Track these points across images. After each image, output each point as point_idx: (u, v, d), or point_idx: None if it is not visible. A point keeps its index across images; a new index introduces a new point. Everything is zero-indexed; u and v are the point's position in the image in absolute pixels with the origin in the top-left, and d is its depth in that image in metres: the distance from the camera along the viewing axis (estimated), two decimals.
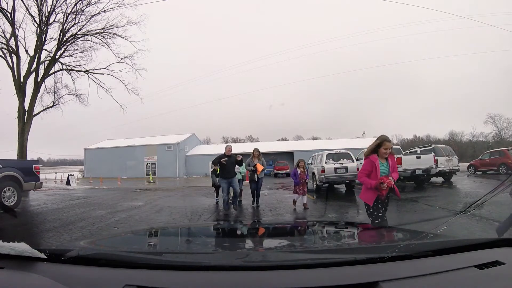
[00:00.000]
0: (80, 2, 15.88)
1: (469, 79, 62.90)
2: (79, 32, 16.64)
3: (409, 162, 10.54)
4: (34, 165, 8.51)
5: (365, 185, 3.13)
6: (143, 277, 0.82)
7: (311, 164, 11.85)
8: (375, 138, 3.29)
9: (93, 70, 17.42)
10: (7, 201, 7.54)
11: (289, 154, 31.59)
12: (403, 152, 12.48)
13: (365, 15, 67.86)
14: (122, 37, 16.97)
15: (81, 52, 17.06)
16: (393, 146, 15.12)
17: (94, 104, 19.15)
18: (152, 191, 14.34)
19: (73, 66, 17.27)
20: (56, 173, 30.27)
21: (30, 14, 15.58)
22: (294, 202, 7.02)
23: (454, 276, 0.83)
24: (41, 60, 16.37)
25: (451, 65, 64.76)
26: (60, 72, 17.21)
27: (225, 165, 6.50)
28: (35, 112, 16.31)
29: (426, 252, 0.95)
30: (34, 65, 16.14)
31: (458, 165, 12.42)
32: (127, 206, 8.38)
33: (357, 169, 10.49)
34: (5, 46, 15.54)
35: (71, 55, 17.16)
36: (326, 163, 10.31)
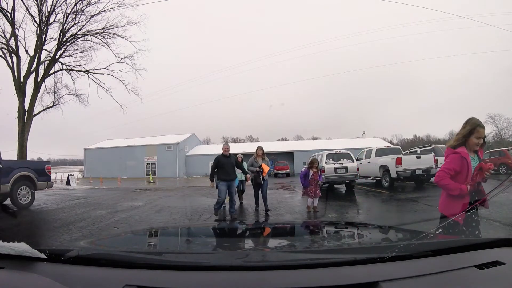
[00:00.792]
0: (80, 2, 15.90)
1: (469, 79, 62.99)
2: (79, 32, 16.65)
3: (409, 162, 10.54)
4: (46, 166, 8.95)
5: (451, 191, 2.13)
6: (143, 277, 0.82)
7: None
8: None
9: (93, 70, 17.44)
10: (21, 199, 7.88)
11: (289, 154, 31.58)
12: (403, 152, 12.48)
13: (366, 15, 67.93)
14: (122, 37, 16.99)
15: (81, 52, 17.09)
16: (393, 146, 15.03)
17: (94, 104, 19.14)
18: (152, 191, 14.35)
19: (73, 66, 17.29)
20: (56, 173, 30.20)
21: (30, 14, 15.59)
22: (309, 207, 6.47)
23: (454, 276, 0.83)
24: (41, 60, 16.37)
25: (451, 65, 64.87)
26: (60, 72, 17.23)
27: (224, 166, 5.88)
28: (35, 112, 16.31)
29: (426, 252, 0.95)
30: (34, 65, 16.15)
31: None
32: (127, 206, 8.38)
33: (357, 169, 10.52)
34: (5, 46, 15.54)
35: (71, 55, 17.18)
36: (326, 163, 10.31)
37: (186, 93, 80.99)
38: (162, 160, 32.67)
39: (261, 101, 77.09)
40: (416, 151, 13.27)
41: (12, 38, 15.56)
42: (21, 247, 0.91)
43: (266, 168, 6.41)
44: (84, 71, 17.34)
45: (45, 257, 0.92)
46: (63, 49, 16.70)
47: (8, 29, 15.48)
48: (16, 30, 15.54)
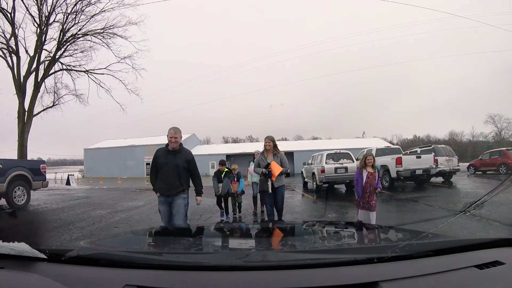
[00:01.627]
0: (80, 2, 15.90)
1: (469, 79, 62.98)
2: (79, 32, 16.65)
3: (409, 162, 10.55)
4: (41, 165, 8.76)
5: None
6: (143, 277, 0.82)
7: (311, 164, 11.85)
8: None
9: (93, 70, 17.44)
10: (17, 200, 7.69)
11: (289, 154, 31.56)
12: (403, 152, 12.48)
13: (366, 15, 67.95)
14: (122, 37, 16.99)
15: (81, 52, 17.09)
16: (393, 146, 15.12)
17: (94, 104, 19.15)
18: (152, 191, 14.32)
19: (73, 66, 17.29)
20: (56, 173, 30.26)
21: (30, 14, 15.60)
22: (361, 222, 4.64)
23: (454, 276, 0.83)
24: (41, 60, 16.38)
25: (451, 65, 64.85)
26: (60, 72, 17.23)
27: (163, 168, 3.41)
28: (35, 112, 16.32)
29: (426, 252, 0.95)
30: (34, 65, 16.15)
31: (458, 165, 12.43)
32: (127, 206, 8.37)
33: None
34: (5, 46, 15.55)
35: (71, 55, 17.19)
36: (326, 163, 10.30)
37: (186, 93, 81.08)
38: None
39: (261, 101, 77.16)
40: (416, 151, 13.27)
41: (12, 38, 15.56)
42: (21, 247, 0.91)
43: (276, 169, 4.14)
44: (84, 71, 17.35)
45: (45, 257, 0.92)
46: (63, 49, 16.71)
47: (8, 29, 15.50)
48: (16, 30, 15.56)
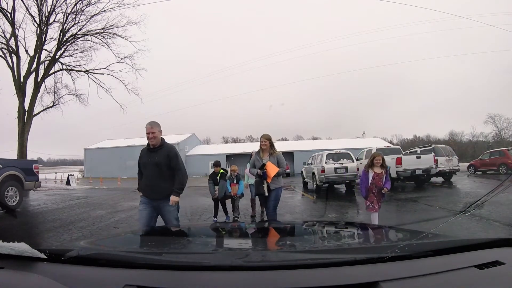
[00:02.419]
0: (80, 2, 15.91)
1: (469, 79, 63.01)
2: (79, 32, 16.68)
3: (409, 162, 10.55)
4: (34, 165, 8.46)
5: None
6: (143, 277, 0.82)
7: (311, 164, 11.85)
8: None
9: (93, 70, 17.46)
10: (9, 201, 7.46)
11: (289, 154, 31.57)
12: (403, 152, 12.48)
13: (366, 14, 68.01)
14: (122, 37, 17.01)
15: (81, 52, 17.12)
16: (393, 146, 15.10)
17: (94, 104, 19.15)
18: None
19: (73, 66, 17.31)
20: (56, 173, 30.28)
21: (30, 14, 15.62)
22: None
23: (454, 276, 0.83)
24: (41, 60, 16.40)
25: (452, 65, 64.89)
26: (60, 72, 17.26)
27: (146, 167, 3.09)
28: (35, 112, 16.34)
29: (426, 252, 0.95)
30: (34, 65, 16.17)
31: (458, 165, 12.44)
32: (127, 206, 8.37)
33: (357, 169, 10.51)
34: (5, 46, 15.56)
35: (71, 55, 17.22)
36: (326, 163, 10.31)
37: (186, 93, 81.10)
38: None
39: (261, 101, 77.10)
40: (416, 151, 13.28)
41: (12, 38, 15.57)
42: (21, 247, 0.91)
43: (272, 170, 3.81)
44: (84, 71, 17.37)
45: (45, 257, 0.92)
46: (63, 49, 16.74)
47: (8, 29, 15.52)
48: (16, 30, 15.57)
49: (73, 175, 21.92)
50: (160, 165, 2.94)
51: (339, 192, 10.74)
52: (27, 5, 15.32)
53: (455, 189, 10.03)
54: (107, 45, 17.11)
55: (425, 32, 55.67)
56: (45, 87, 16.94)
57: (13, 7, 15.14)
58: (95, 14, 16.29)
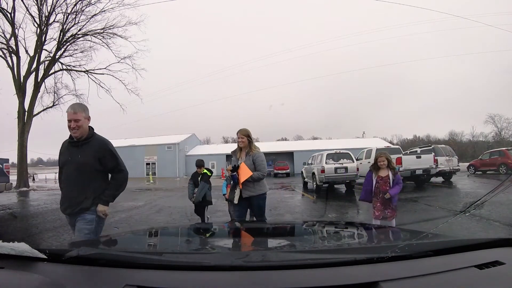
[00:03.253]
0: (80, 2, 15.92)
1: (469, 79, 63.02)
2: (79, 32, 16.69)
3: (409, 162, 10.55)
4: (4, 164, 7.42)
5: None
6: (143, 277, 0.82)
7: (311, 164, 11.85)
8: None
9: (93, 70, 17.48)
10: None
11: (289, 154, 31.58)
12: (403, 152, 12.48)
13: (366, 14, 67.98)
14: (122, 37, 17.04)
15: (81, 52, 17.14)
16: (393, 146, 15.08)
17: (94, 104, 19.12)
18: (152, 191, 14.34)
19: (73, 66, 17.33)
20: (56, 173, 30.25)
21: (30, 14, 15.63)
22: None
23: (454, 276, 0.82)
24: (41, 60, 16.41)
25: (452, 65, 64.89)
26: (60, 72, 17.29)
27: (65, 166, 2.27)
28: (35, 112, 16.36)
29: (426, 252, 0.95)
30: (34, 65, 16.18)
31: (458, 165, 12.44)
32: (127, 206, 8.37)
33: (357, 169, 10.52)
34: (5, 46, 15.57)
35: (71, 55, 17.24)
36: (326, 163, 10.31)
37: (186, 93, 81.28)
38: (162, 160, 32.65)
39: (261, 101, 77.15)
40: (416, 151, 13.28)
41: (12, 38, 15.58)
42: (21, 247, 0.91)
43: (244, 173, 3.13)
44: (84, 71, 17.38)
45: (45, 257, 0.92)
46: (63, 49, 16.75)
47: (8, 29, 15.55)
48: (16, 30, 15.59)
49: None
50: (83, 167, 2.11)
51: (339, 192, 10.73)
52: (27, 5, 15.36)
53: (455, 189, 10.03)
54: (107, 45, 17.16)
55: (425, 32, 55.74)
56: (45, 87, 16.99)
57: (13, 7, 15.17)
58: (95, 14, 16.33)
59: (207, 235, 1.76)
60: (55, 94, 17.29)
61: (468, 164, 17.56)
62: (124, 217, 6.46)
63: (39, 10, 15.68)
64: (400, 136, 53.34)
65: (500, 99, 56.03)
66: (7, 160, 7.92)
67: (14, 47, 15.67)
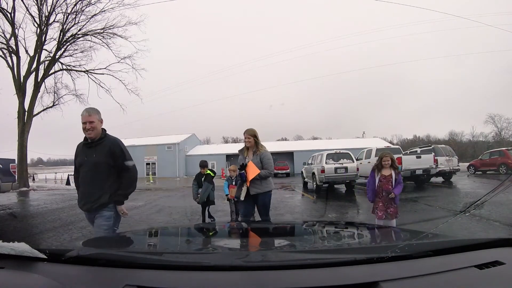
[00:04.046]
0: (80, 2, 15.92)
1: (469, 79, 63.03)
2: (79, 32, 16.68)
3: (409, 162, 10.55)
4: (11, 164, 7.68)
5: None
6: (143, 277, 0.82)
7: (311, 164, 11.85)
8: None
9: (93, 70, 17.46)
10: None
11: (289, 154, 31.57)
12: (403, 152, 12.48)
13: (366, 15, 67.99)
14: (122, 37, 17.02)
15: (81, 52, 17.13)
16: (393, 146, 15.08)
17: (94, 104, 19.02)
18: (152, 191, 14.34)
19: (73, 66, 17.32)
20: (56, 173, 30.28)
21: (30, 14, 15.63)
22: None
23: (454, 276, 0.82)
24: (41, 60, 16.40)
25: (452, 65, 64.90)
26: (60, 72, 17.27)
27: (82, 166, 2.45)
28: (35, 112, 16.34)
29: (426, 252, 0.95)
30: (34, 65, 16.17)
31: (458, 165, 12.43)
32: (127, 206, 8.31)
33: (357, 169, 10.52)
34: (5, 46, 15.57)
35: (71, 55, 17.22)
36: (326, 163, 10.31)
37: (186, 93, 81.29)
38: (162, 160, 32.66)
39: (261, 101, 77.17)
40: (416, 151, 13.27)
41: (12, 38, 15.58)
42: (21, 247, 0.91)
43: (252, 171, 3.31)
44: (84, 71, 17.37)
45: (45, 257, 0.92)
46: (63, 49, 16.74)
47: (8, 29, 15.54)
48: (16, 30, 15.58)
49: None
50: (98, 165, 2.27)
51: (339, 192, 10.73)
52: (27, 5, 15.35)
53: (455, 189, 10.03)
54: (107, 45, 17.14)
55: (425, 32, 55.71)
56: (45, 87, 16.97)
57: (13, 7, 15.16)
58: (95, 14, 16.31)
59: (207, 235, 1.76)
60: (55, 94, 17.29)
61: (468, 164, 17.55)
62: (124, 217, 6.46)
63: (39, 10, 15.69)
64: (400, 136, 53.41)
65: (500, 99, 56.14)
66: (13, 161, 8.28)
67: (14, 47, 15.66)
